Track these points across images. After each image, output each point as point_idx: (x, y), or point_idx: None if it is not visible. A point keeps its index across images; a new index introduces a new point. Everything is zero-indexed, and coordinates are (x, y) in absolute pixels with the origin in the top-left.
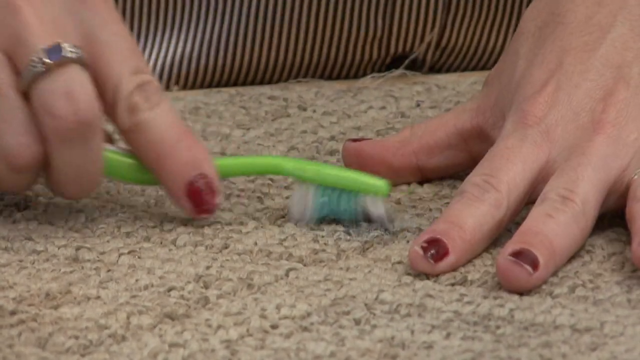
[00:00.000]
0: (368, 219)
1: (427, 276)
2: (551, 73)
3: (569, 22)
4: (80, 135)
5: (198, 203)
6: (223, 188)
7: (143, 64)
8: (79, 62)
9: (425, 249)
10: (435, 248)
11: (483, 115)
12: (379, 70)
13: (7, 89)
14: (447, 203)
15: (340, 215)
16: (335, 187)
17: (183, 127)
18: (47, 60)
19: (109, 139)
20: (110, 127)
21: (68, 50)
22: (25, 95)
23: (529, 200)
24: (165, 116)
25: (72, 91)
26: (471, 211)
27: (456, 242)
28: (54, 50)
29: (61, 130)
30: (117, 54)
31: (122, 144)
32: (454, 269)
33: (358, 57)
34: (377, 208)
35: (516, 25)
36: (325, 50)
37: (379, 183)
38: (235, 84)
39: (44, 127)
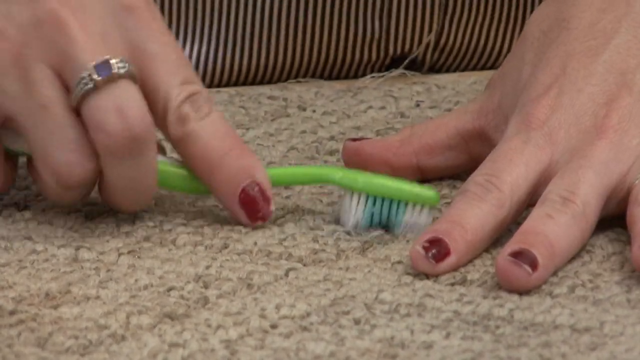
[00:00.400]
0: (415, 228)
1: (427, 276)
2: (555, 77)
3: (574, 27)
4: (133, 150)
5: (252, 211)
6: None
7: (192, 74)
8: (129, 76)
9: (426, 249)
10: (437, 248)
11: (485, 117)
12: (378, 71)
13: (57, 107)
14: (447, 203)
15: (389, 225)
16: (386, 197)
17: (234, 136)
18: (97, 77)
19: (159, 148)
20: (159, 135)
21: (117, 65)
22: (77, 111)
23: (530, 202)
24: (215, 126)
25: (123, 107)
26: (473, 210)
27: (458, 242)
28: (103, 66)
29: (114, 147)
30: (166, 65)
31: (173, 154)
32: (455, 269)
33: (357, 58)
34: (426, 218)
35: (514, 25)
36: (324, 51)
37: (429, 193)
38: (234, 84)
39: (97, 143)
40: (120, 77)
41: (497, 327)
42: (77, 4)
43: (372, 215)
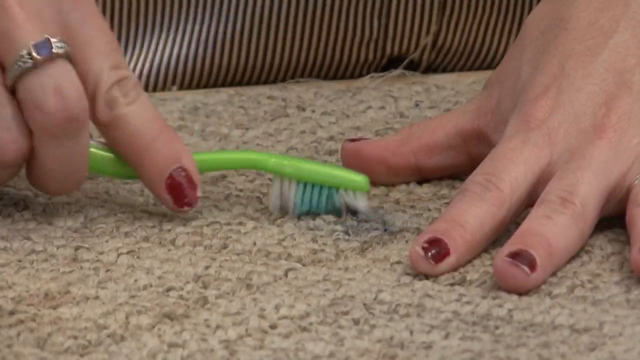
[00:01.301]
0: (354, 213)
1: (426, 276)
2: (554, 77)
3: (572, 27)
4: (68, 130)
5: (179, 197)
6: (220, 186)
7: (122, 59)
8: (67, 57)
9: (426, 250)
10: (436, 248)
11: (484, 117)
12: (376, 70)
13: None
14: (446, 203)
15: (322, 211)
16: (315, 183)
17: (162, 122)
18: (36, 56)
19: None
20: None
21: (57, 45)
22: (12, 90)
23: (529, 202)
24: (143, 111)
25: (61, 87)
26: (473, 210)
27: (457, 242)
28: (43, 45)
29: (50, 126)
30: (97, 48)
31: (101, 139)
32: (455, 269)
33: (354, 57)
34: (359, 203)
35: (511, 25)
36: (321, 50)
37: (358, 178)
38: (231, 83)
39: (32, 122)
40: (59, 57)
41: (497, 327)
42: None
43: (303, 202)
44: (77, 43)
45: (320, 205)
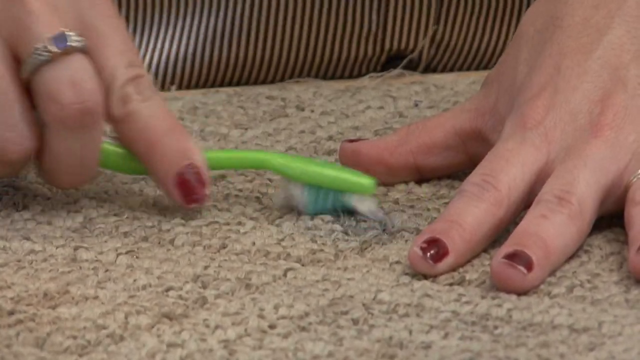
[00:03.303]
0: (360, 215)
1: (425, 276)
2: (549, 77)
3: (567, 25)
4: (83, 123)
5: (187, 193)
6: (220, 186)
7: (138, 59)
8: (83, 51)
9: (424, 250)
10: (435, 248)
11: (482, 117)
12: (375, 68)
13: (4, 81)
14: (446, 203)
15: (329, 212)
16: (322, 186)
17: (174, 119)
18: (54, 49)
19: None
20: None
21: (73, 39)
22: (26, 83)
23: (527, 202)
24: (156, 108)
25: (77, 80)
26: (471, 210)
27: (456, 241)
28: (60, 38)
29: (65, 118)
30: (114, 46)
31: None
32: (454, 269)
33: (353, 53)
34: (365, 206)
35: (510, 22)
36: (320, 46)
37: (365, 182)
38: (230, 82)
39: (47, 114)
40: (75, 50)
41: (496, 327)
42: None
43: (310, 203)
44: (94, 40)
45: (326, 205)
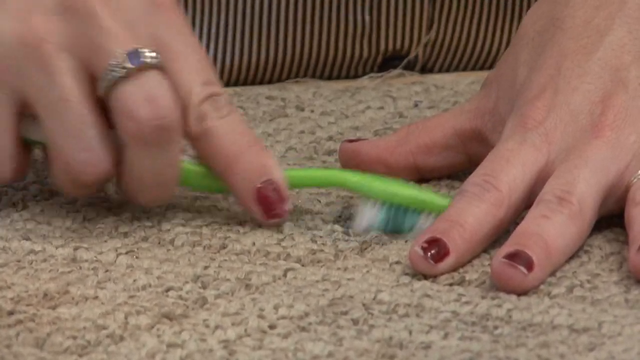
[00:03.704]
0: None
1: (425, 276)
2: (550, 77)
3: (568, 26)
4: (162, 140)
5: (267, 208)
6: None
7: (214, 77)
8: (159, 67)
9: (425, 250)
10: (436, 248)
11: (482, 118)
12: (372, 69)
13: (78, 100)
14: None
15: (403, 231)
16: (401, 205)
17: (252, 135)
18: (128, 65)
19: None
20: None
21: (148, 55)
22: (103, 101)
23: (528, 203)
24: (234, 124)
25: (153, 96)
26: (472, 210)
27: (457, 241)
28: (134, 55)
29: (142, 135)
30: (189, 64)
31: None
32: (455, 269)
33: (349, 54)
34: None
35: (504, 21)
36: (315, 46)
37: (445, 202)
38: (228, 84)
39: (124, 131)
40: (151, 67)
41: (496, 327)
42: None
43: (387, 220)
44: (169, 58)
45: (403, 224)
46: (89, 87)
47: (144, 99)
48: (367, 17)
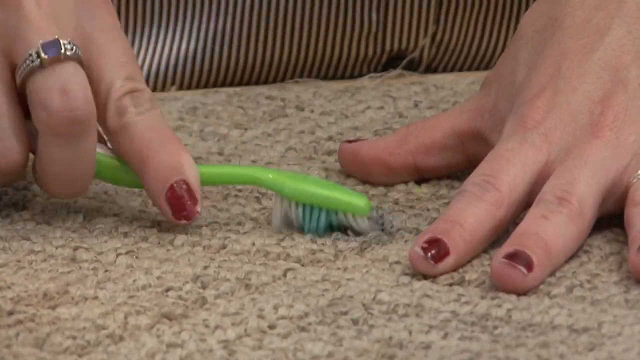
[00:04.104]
0: (356, 233)
1: (425, 276)
2: (550, 77)
3: (567, 26)
4: (73, 131)
5: (178, 209)
6: (219, 187)
7: (138, 73)
8: (76, 59)
9: (425, 250)
10: (436, 248)
11: (481, 118)
12: (376, 69)
13: (2, 85)
14: (445, 203)
15: (322, 231)
16: (314, 205)
17: (170, 133)
18: (44, 56)
19: (101, 140)
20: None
21: (67, 47)
22: (21, 90)
23: (528, 203)
24: (152, 121)
25: (67, 87)
26: (472, 210)
27: (457, 241)
28: (52, 45)
29: (54, 126)
30: (113, 59)
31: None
32: (455, 269)
33: (354, 53)
34: (359, 224)
35: (509, 22)
36: (320, 46)
37: (359, 202)
38: (232, 82)
39: (38, 121)
40: (67, 58)
41: (495, 327)
42: None
43: (303, 222)
44: (93, 51)
45: (321, 224)
46: (9, 77)
47: (56, 90)
48: (374, 16)
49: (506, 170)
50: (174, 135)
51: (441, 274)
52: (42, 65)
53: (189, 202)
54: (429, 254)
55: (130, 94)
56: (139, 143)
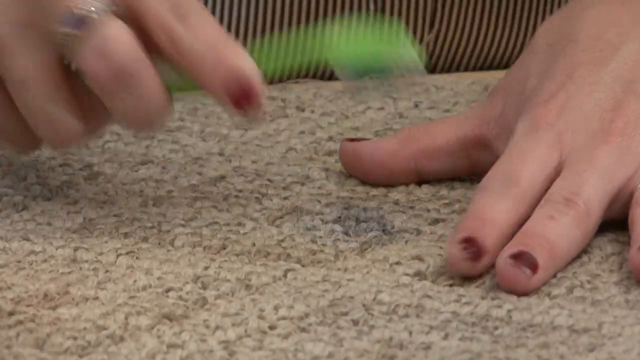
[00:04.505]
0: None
1: (425, 277)
2: (561, 84)
3: (580, 39)
4: (123, 84)
5: (242, 101)
6: (219, 187)
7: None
8: (106, 18)
9: (464, 249)
10: (473, 247)
11: (487, 125)
12: None
13: (37, 80)
14: (446, 203)
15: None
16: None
17: (222, 32)
18: (72, 31)
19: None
20: None
21: (92, 11)
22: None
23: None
24: (204, 22)
25: (104, 51)
26: (498, 206)
27: (492, 239)
28: (75, 19)
29: (107, 88)
30: None
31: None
32: (489, 266)
33: None
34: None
35: (505, 21)
36: None
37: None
38: None
39: (92, 88)
40: (94, 22)
41: (496, 327)
42: None
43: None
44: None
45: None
46: (46, 58)
47: (96, 57)
48: (371, 5)
49: (525, 167)
50: (226, 34)
51: (479, 273)
52: (77, 39)
53: (252, 94)
54: (468, 254)
55: (174, 5)
56: (194, 44)
